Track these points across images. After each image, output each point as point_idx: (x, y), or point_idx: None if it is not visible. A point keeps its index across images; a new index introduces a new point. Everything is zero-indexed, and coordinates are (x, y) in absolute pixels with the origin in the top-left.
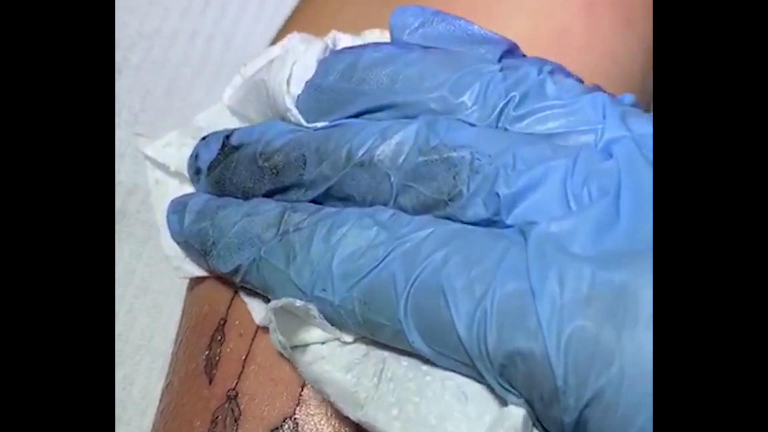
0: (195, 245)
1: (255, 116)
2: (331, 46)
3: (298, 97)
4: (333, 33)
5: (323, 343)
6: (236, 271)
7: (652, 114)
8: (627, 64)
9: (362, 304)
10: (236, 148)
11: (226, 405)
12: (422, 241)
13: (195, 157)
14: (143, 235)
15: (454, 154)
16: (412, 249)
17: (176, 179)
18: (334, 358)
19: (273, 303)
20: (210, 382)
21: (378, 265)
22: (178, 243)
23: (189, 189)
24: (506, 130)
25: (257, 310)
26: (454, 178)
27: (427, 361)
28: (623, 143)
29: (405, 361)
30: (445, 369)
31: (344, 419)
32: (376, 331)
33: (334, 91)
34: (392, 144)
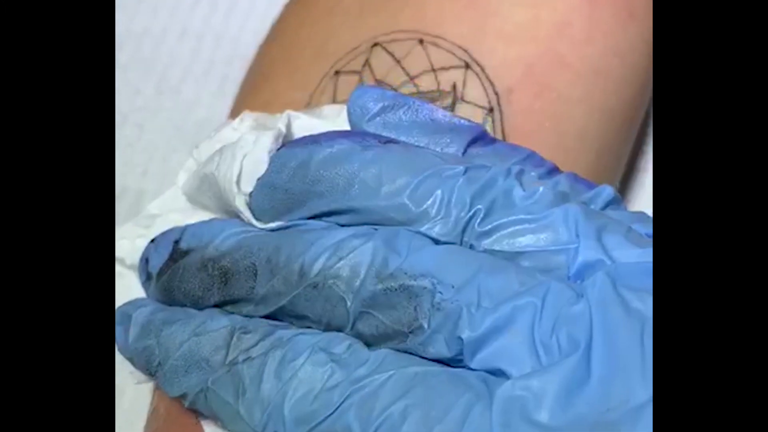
0: (141, 363)
1: (210, 205)
2: (284, 130)
3: (251, 194)
4: (287, 113)
5: None
6: (183, 396)
7: (628, 218)
8: (629, 58)
9: None
10: (186, 252)
11: None
12: (380, 386)
13: (145, 261)
14: None
15: (414, 283)
16: (370, 396)
17: (135, 272)
18: None
19: None
20: (197, 416)
21: (333, 412)
22: (126, 358)
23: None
24: (471, 246)
25: None
26: (414, 309)
27: None
28: (597, 280)
29: None
30: None
31: None
32: None
33: (288, 192)
34: (347, 265)
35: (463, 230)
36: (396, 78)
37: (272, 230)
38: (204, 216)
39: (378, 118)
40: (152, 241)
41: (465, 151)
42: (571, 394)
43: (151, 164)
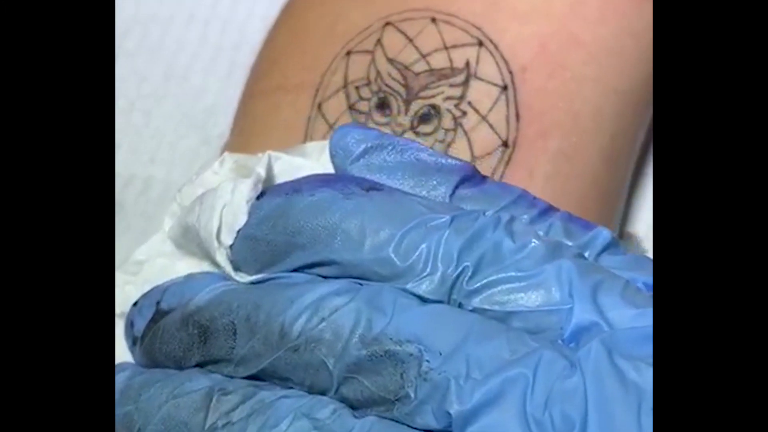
0: (122, 431)
1: (196, 251)
2: (263, 174)
3: (232, 247)
4: (267, 155)
5: None
6: None
7: (626, 264)
8: (643, 37)
9: None
10: (167, 312)
11: None
12: None
13: (130, 324)
14: (141, 228)
15: (400, 348)
16: None
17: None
18: None
19: None
20: None
21: None
22: None
23: None
24: (460, 305)
25: None
26: (401, 377)
27: None
28: (591, 349)
29: None
30: None
31: None
32: None
33: (270, 243)
34: (329, 328)
35: (451, 287)
36: (408, 56)
37: (253, 283)
38: (191, 261)
39: (362, 160)
40: (135, 304)
41: (453, 193)
42: None
43: (158, 151)
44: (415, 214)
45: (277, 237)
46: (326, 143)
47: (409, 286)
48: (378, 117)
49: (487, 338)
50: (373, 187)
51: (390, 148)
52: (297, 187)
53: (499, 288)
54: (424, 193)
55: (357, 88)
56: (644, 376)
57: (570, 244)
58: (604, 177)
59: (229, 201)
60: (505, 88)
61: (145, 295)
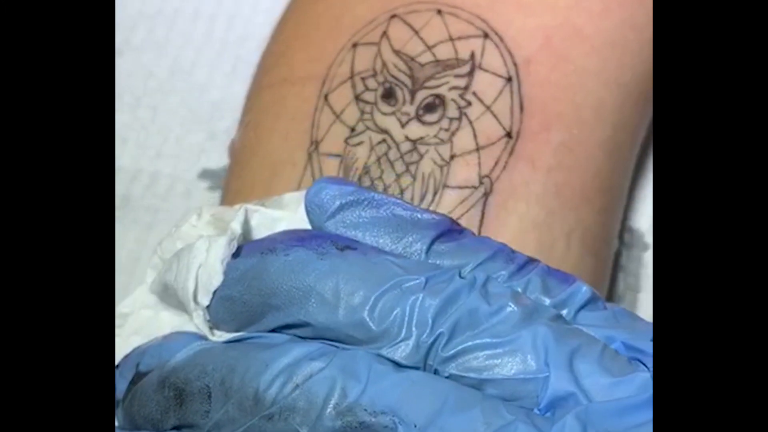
0: None
1: (178, 305)
2: (239, 230)
3: (209, 307)
4: (244, 209)
5: None
6: None
7: (605, 321)
8: (646, 31)
9: None
10: (145, 374)
11: None
12: None
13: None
14: (148, 222)
15: (375, 420)
16: None
17: None
18: None
19: None
20: None
21: None
22: None
23: None
24: (436, 371)
25: None
26: None
27: None
28: (566, 424)
29: None
30: None
31: None
32: None
33: (246, 304)
34: (303, 396)
35: (427, 353)
36: (414, 48)
37: (230, 342)
38: (174, 313)
39: (337, 217)
40: (117, 366)
41: (430, 248)
42: None
43: (165, 146)
44: (389, 275)
45: (253, 298)
46: (303, 194)
47: (384, 352)
48: (384, 107)
49: (461, 409)
50: (348, 245)
51: (365, 203)
52: (272, 246)
53: (475, 355)
54: (400, 248)
55: (363, 79)
56: None
57: (548, 301)
58: (605, 169)
59: (204, 261)
60: (509, 79)
61: (125, 357)
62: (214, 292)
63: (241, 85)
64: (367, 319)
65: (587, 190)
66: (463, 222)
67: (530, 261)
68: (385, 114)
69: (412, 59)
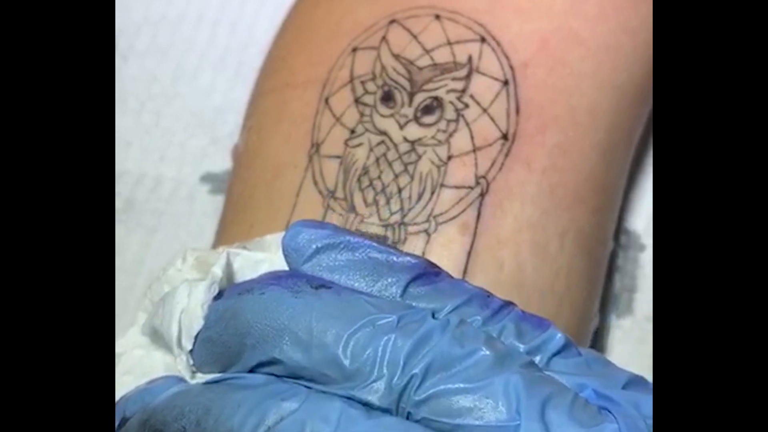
0: None
1: (168, 347)
2: (220, 274)
3: (191, 351)
4: (226, 252)
5: None
6: None
7: (577, 368)
8: (640, 35)
9: None
10: (128, 419)
11: None
12: None
13: None
14: (152, 225)
15: None
16: None
17: None
18: None
19: None
20: None
21: None
22: None
23: None
24: (409, 414)
25: None
26: None
27: None
28: None
29: None
30: None
31: None
32: None
33: (224, 345)
34: None
35: (400, 395)
36: (412, 52)
37: (208, 383)
38: (165, 352)
39: (314, 260)
40: None
41: (405, 291)
42: None
43: (168, 150)
44: (362, 313)
45: (231, 338)
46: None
47: (356, 393)
48: (383, 109)
49: None
50: (322, 284)
51: (341, 246)
52: (249, 286)
53: (447, 399)
54: (376, 291)
55: (363, 82)
56: None
57: (522, 347)
58: (599, 170)
59: (185, 306)
60: (506, 82)
61: (117, 402)
62: (196, 336)
63: (244, 89)
64: (340, 358)
65: (581, 191)
66: (459, 221)
67: (505, 306)
68: (384, 116)
69: (411, 63)
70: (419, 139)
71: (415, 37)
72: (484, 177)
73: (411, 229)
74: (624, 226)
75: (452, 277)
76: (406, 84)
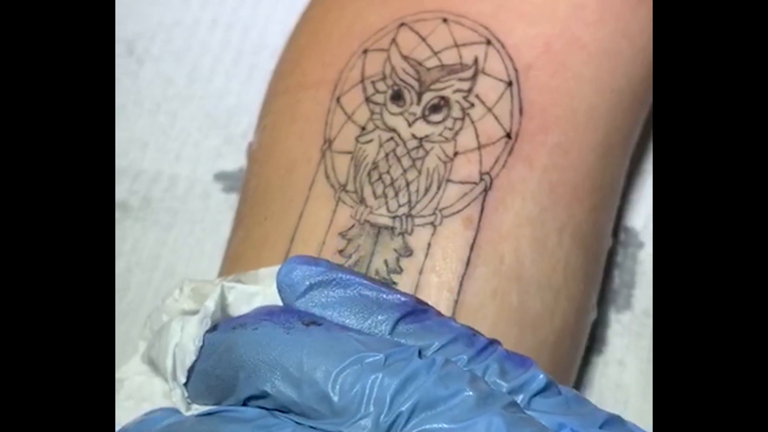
0: None
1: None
2: (212, 308)
3: (186, 384)
4: (221, 286)
5: None
6: None
7: (557, 407)
8: (639, 40)
9: None
10: None
11: None
12: None
13: None
14: (168, 222)
15: None
16: None
17: None
18: None
19: None
20: None
21: None
22: None
23: None
24: None
25: None
26: None
27: None
28: None
29: None
30: None
31: None
32: None
33: (218, 377)
34: None
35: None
36: (421, 53)
37: (200, 415)
38: (164, 380)
39: (307, 296)
40: None
41: (394, 328)
42: None
43: (184, 149)
44: (351, 350)
45: (224, 371)
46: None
47: (344, 429)
48: (392, 107)
49: None
50: (313, 321)
51: (334, 283)
52: (243, 321)
53: None
54: (366, 328)
55: (373, 82)
56: None
57: (505, 386)
58: (597, 170)
59: (179, 340)
60: (510, 83)
61: None
62: (189, 369)
63: (256, 91)
64: (329, 394)
65: (579, 189)
66: (464, 215)
67: (490, 344)
68: (393, 114)
69: (420, 64)
70: (427, 136)
71: (423, 39)
72: (487, 173)
73: (418, 221)
74: (623, 225)
75: (440, 315)
76: (415, 84)
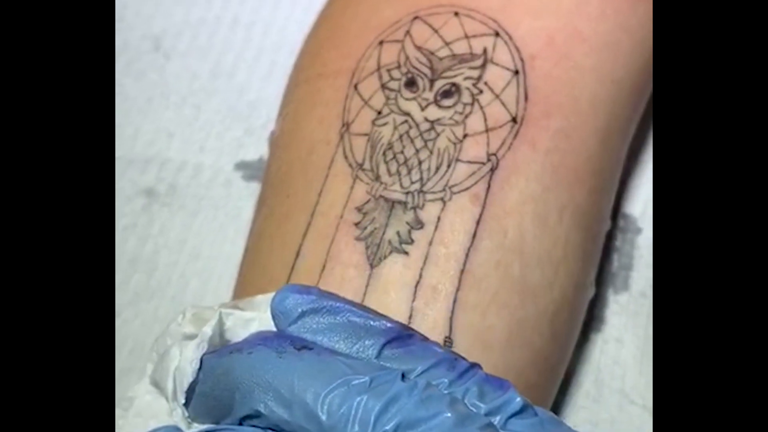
0: None
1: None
2: (209, 333)
3: (186, 404)
4: (219, 312)
5: None
6: None
7: (533, 428)
8: (638, 34)
9: None
10: None
11: None
12: None
13: None
14: (193, 208)
15: None
16: None
17: None
18: None
19: None
20: None
21: None
22: None
23: None
24: None
25: None
26: None
27: None
28: None
29: None
30: None
31: None
32: None
33: (216, 399)
34: None
35: None
36: (433, 44)
37: None
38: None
39: (299, 322)
40: None
41: (380, 352)
42: None
43: (207, 141)
44: (338, 374)
45: (222, 393)
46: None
47: None
48: (406, 93)
49: None
50: (305, 346)
51: (324, 311)
52: (240, 346)
53: None
54: (354, 352)
55: (389, 70)
56: None
57: (483, 407)
58: (597, 154)
59: (178, 364)
60: (516, 72)
61: None
62: (188, 390)
63: (276, 86)
64: (319, 414)
65: (580, 172)
66: (471, 192)
67: (470, 368)
68: (407, 99)
69: (432, 53)
70: (438, 120)
71: (436, 31)
72: (494, 154)
73: (428, 196)
74: (622, 211)
75: (425, 340)
76: (428, 72)
